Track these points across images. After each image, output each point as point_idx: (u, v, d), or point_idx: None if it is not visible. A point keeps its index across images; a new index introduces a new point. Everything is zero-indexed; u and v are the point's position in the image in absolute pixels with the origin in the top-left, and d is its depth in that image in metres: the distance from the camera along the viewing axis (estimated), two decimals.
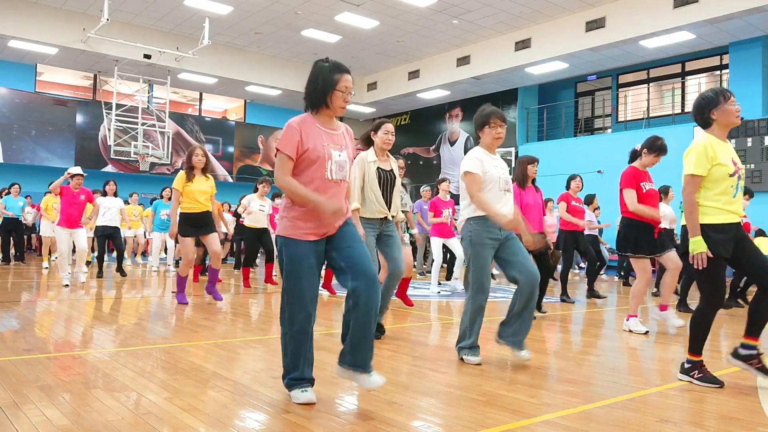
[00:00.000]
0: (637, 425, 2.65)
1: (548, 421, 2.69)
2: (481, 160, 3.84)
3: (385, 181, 4.63)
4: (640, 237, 5.20)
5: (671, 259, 5.30)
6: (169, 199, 11.43)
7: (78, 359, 3.71)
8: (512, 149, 17.82)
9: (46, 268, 10.95)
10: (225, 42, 17.10)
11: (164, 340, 4.46)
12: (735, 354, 3.47)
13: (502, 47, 16.07)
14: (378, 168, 4.57)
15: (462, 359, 3.89)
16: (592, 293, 8.21)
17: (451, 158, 20.21)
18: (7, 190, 12.45)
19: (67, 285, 7.92)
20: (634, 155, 5.41)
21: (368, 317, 2.79)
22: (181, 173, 6.44)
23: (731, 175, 3.34)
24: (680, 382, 3.45)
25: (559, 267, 8.82)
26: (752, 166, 13.34)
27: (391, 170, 4.72)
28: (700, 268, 3.29)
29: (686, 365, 3.47)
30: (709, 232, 3.31)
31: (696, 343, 3.41)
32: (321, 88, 2.85)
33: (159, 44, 15.93)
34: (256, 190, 8.83)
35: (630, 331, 5.32)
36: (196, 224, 6.47)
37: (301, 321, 2.81)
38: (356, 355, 2.82)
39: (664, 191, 9.00)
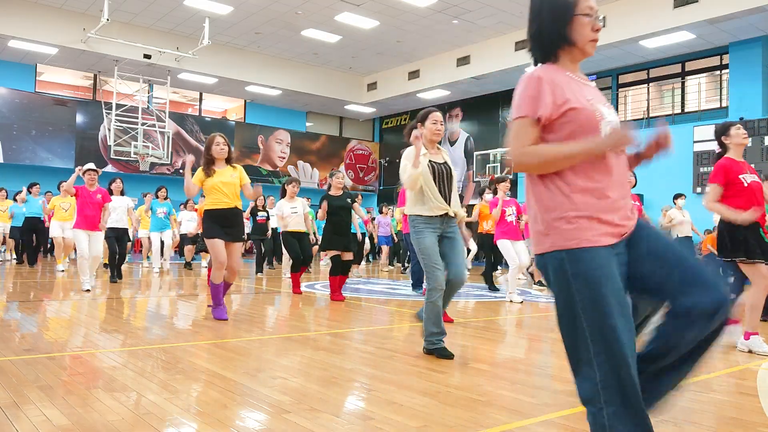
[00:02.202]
0: None
1: (548, 421, 2.69)
2: None
3: (440, 175, 4.19)
4: (749, 237, 4.29)
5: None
6: (165, 198, 11.39)
7: (78, 359, 3.71)
8: None
9: (62, 270, 10.23)
10: (225, 42, 17.11)
11: (164, 340, 4.46)
12: None
13: (502, 47, 16.07)
14: (430, 161, 4.18)
15: None
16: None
17: (451, 158, 20.14)
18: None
19: (88, 290, 7.41)
20: (723, 151, 4.63)
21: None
22: (199, 170, 5.61)
23: None
24: None
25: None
26: (752, 166, 13.35)
27: (445, 162, 4.31)
28: None
29: None
30: None
31: None
32: (553, 19, 1.86)
33: (159, 44, 15.94)
34: (284, 193, 8.20)
35: (750, 351, 4.30)
36: (224, 223, 5.55)
37: (627, 377, 1.71)
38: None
39: (677, 197, 8.87)
